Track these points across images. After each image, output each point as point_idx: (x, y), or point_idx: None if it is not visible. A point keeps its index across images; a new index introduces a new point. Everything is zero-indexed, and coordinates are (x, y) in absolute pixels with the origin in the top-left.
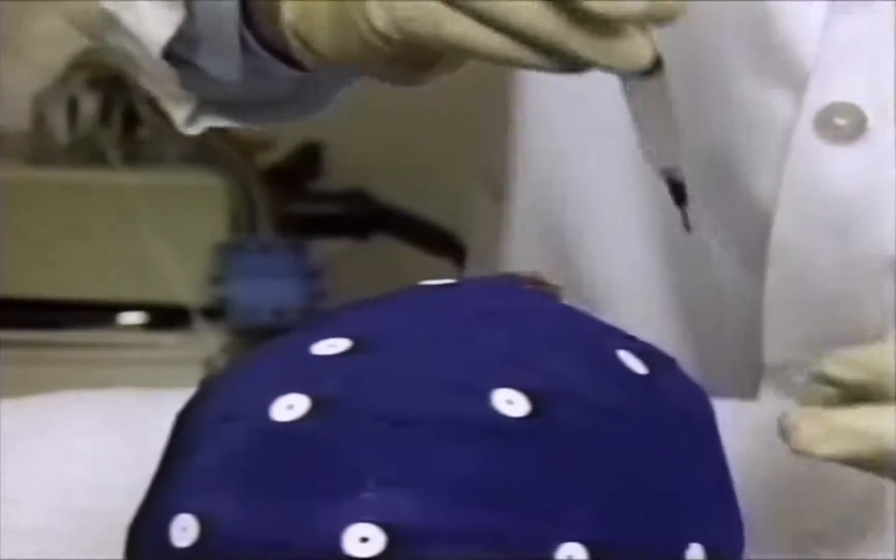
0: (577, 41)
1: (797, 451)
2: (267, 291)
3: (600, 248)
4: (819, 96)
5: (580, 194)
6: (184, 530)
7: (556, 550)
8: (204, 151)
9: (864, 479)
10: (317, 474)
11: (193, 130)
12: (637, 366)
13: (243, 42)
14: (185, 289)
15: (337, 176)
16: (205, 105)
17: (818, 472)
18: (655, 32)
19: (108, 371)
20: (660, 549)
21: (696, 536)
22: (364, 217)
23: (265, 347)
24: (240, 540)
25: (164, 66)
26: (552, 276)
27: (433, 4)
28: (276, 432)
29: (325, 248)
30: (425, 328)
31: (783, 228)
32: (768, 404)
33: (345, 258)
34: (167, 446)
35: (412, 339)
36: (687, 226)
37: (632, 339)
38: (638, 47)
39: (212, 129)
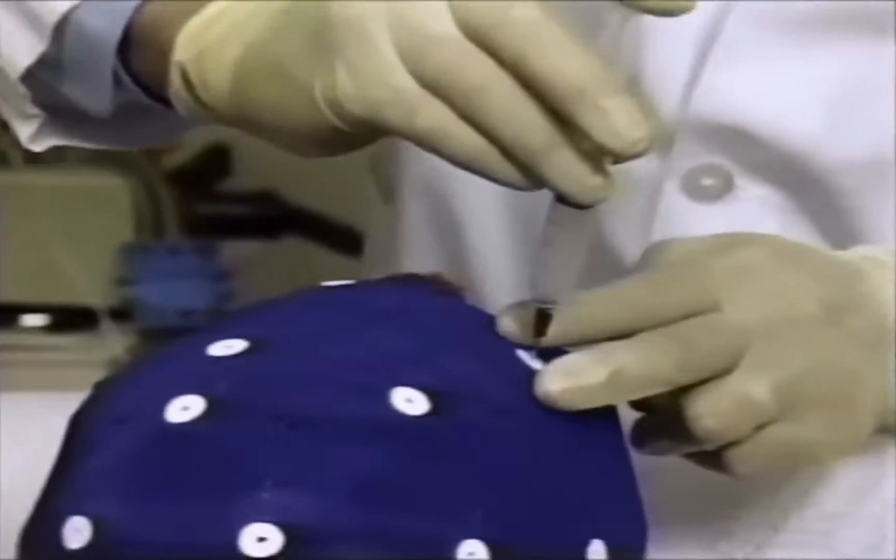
0: (556, 167)
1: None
2: (174, 293)
3: (486, 244)
4: (686, 157)
5: (466, 191)
6: (76, 532)
7: (457, 548)
8: (109, 153)
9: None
10: (213, 475)
11: (38, 147)
12: (536, 364)
13: (116, 77)
14: (91, 290)
15: (245, 176)
16: (52, 122)
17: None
18: None
19: (11, 373)
20: (561, 545)
21: (598, 533)
22: (273, 217)
23: (161, 350)
24: (133, 541)
25: (21, 88)
26: (454, 276)
27: (411, 89)
28: (171, 434)
29: (235, 249)
30: (323, 328)
31: None
32: None
33: (254, 259)
34: (61, 449)
35: (310, 340)
36: (538, 345)
37: None
38: (607, 182)
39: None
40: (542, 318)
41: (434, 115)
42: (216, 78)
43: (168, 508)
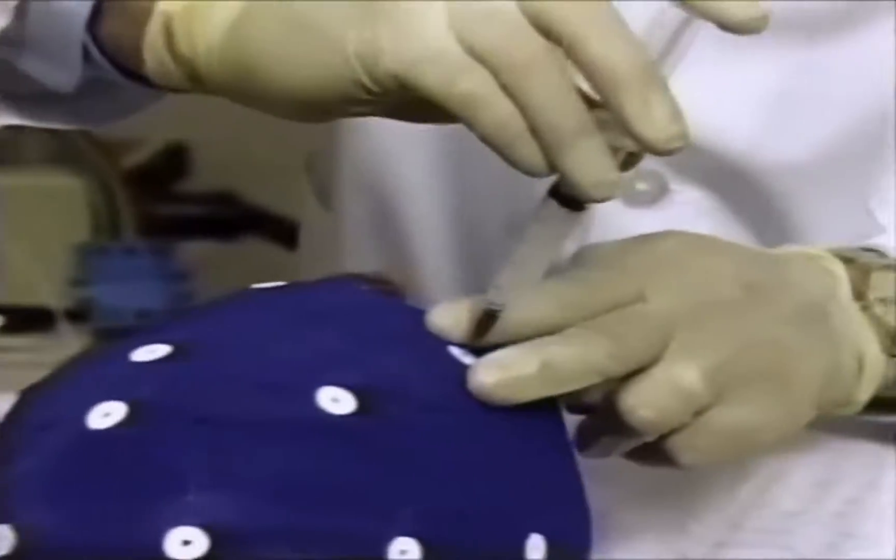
0: (581, 155)
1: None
2: (130, 294)
3: (428, 246)
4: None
5: (408, 193)
6: (1, 539)
7: (388, 546)
8: (65, 152)
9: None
10: (136, 480)
11: None
12: (469, 360)
13: (84, 51)
14: (47, 291)
15: (203, 177)
16: (4, 101)
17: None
18: None
19: None
20: (497, 540)
21: (537, 527)
22: (231, 218)
23: (86, 356)
24: (57, 548)
25: None
26: (395, 275)
27: (455, 52)
28: (93, 440)
29: (192, 250)
30: (250, 331)
31: None
32: None
33: (212, 260)
34: None
35: (236, 343)
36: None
37: None
38: (619, 181)
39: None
40: (488, 318)
41: (476, 82)
42: (207, 29)
43: (92, 514)
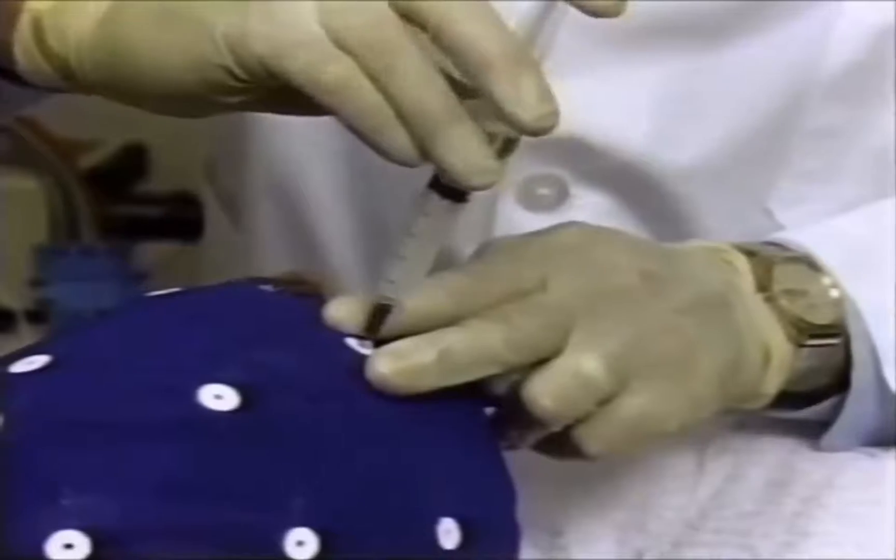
0: (454, 142)
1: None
2: (89, 294)
3: (336, 246)
4: (520, 167)
5: (315, 193)
6: None
7: (284, 538)
8: (21, 153)
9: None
10: (13, 487)
11: None
12: (366, 348)
13: None
14: (7, 292)
15: (162, 178)
16: None
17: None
18: None
19: None
20: (404, 526)
21: (448, 511)
22: (190, 219)
23: None
24: None
25: None
26: (310, 275)
27: (325, 40)
28: None
29: (151, 251)
30: (134, 338)
31: None
32: None
33: (171, 261)
34: None
35: (118, 350)
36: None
37: None
38: (499, 167)
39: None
40: (380, 312)
41: (342, 70)
42: (77, 23)
43: None
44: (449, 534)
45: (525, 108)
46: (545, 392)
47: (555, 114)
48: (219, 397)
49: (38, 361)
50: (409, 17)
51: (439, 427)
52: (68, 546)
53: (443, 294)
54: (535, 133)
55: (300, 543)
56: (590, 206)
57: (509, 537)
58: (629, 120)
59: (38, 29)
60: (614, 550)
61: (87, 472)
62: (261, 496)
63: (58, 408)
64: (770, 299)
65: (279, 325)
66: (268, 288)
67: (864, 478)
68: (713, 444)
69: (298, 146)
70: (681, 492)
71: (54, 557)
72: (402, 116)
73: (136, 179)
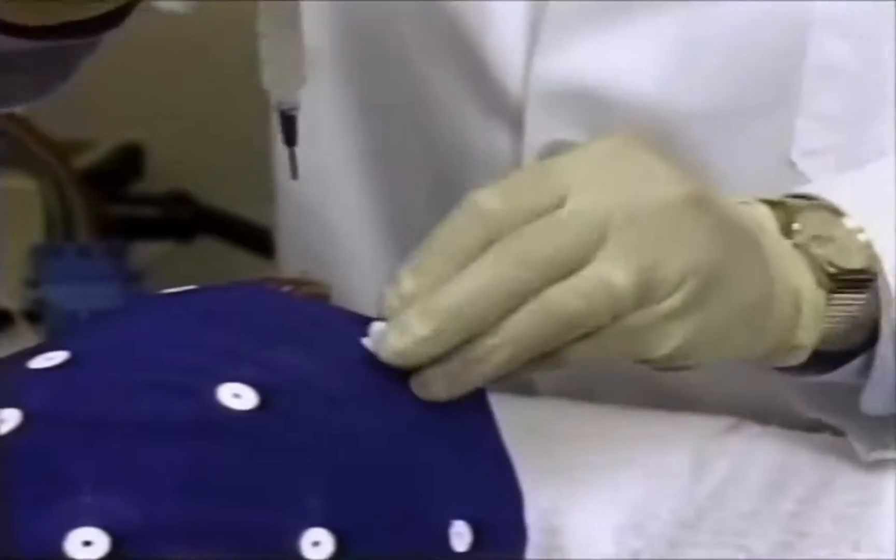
0: None
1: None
2: (85, 295)
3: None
4: (538, 132)
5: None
6: None
7: (300, 538)
8: (16, 153)
9: None
10: (33, 485)
11: None
12: None
13: None
14: (3, 292)
15: (157, 178)
16: None
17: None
18: None
19: None
20: (418, 527)
21: (460, 513)
22: (186, 219)
23: None
24: None
25: None
26: (320, 277)
27: None
28: None
29: (147, 251)
30: (150, 335)
31: None
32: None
33: (167, 261)
34: None
35: (135, 347)
36: (294, 172)
37: None
38: None
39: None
40: (287, 124)
41: None
42: None
43: None
44: (461, 536)
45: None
46: (574, 294)
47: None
48: (237, 396)
49: (57, 358)
50: None
51: (451, 429)
52: (87, 543)
53: (467, 220)
54: None
55: (316, 544)
56: None
57: (517, 539)
58: (639, 69)
59: None
60: (612, 551)
61: (107, 469)
62: (277, 496)
63: (77, 405)
64: (797, 246)
65: (294, 325)
66: (279, 288)
67: (862, 479)
68: (710, 445)
69: (324, 154)
70: (678, 493)
71: (73, 553)
72: None
73: (132, 179)
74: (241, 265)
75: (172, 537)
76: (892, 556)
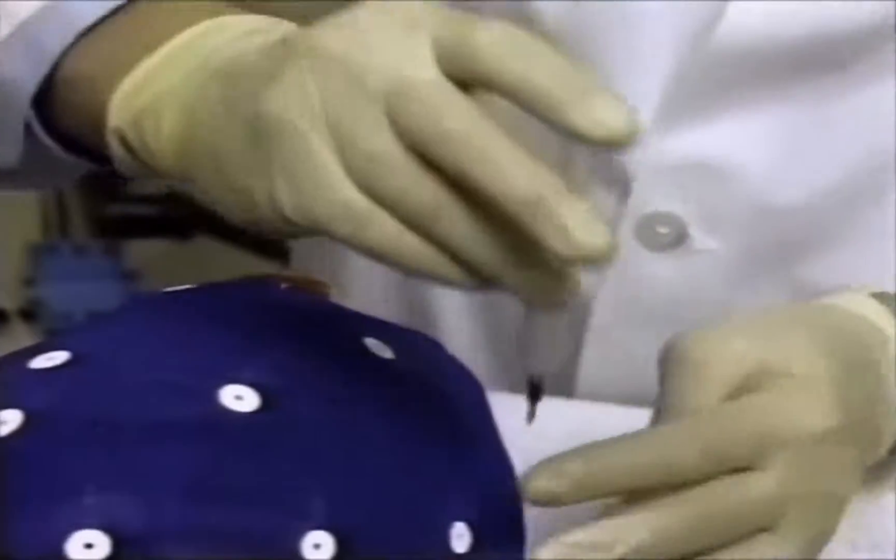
0: (517, 282)
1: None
2: (81, 294)
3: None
4: (642, 203)
5: None
6: None
7: (301, 540)
8: None
9: None
10: (34, 486)
11: None
12: (384, 351)
13: (28, 129)
14: (1, 291)
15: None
16: None
17: None
18: None
19: None
20: (417, 529)
21: (461, 515)
22: (182, 217)
23: None
24: None
25: None
26: (319, 277)
27: (359, 204)
28: None
29: (143, 249)
30: (152, 335)
31: (602, 317)
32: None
33: (163, 259)
34: None
35: (137, 348)
36: (531, 416)
37: (384, 326)
38: (571, 284)
39: None
40: (534, 389)
41: (386, 230)
42: (157, 145)
43: None
44: (461, 538)
45: (574, 247)
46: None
47: (605, 245)
48: (239, 398)
49: (58, 358)
50: (432, 162)
51: (451, 430)
52: (88, 545)
53: (647, 454)
54: (589, 262)
55: (317, 546)
56: (707, 251)
57: (517, 541)
58: (749, 150)
59: (127, 146)
60: None
61: (109, 471)
62: (279, 498)
63: (78, 405)
64: None
65: (297, 325)
66: (281, 286)
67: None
68: None
69: None
70: None
71: (74, 557)
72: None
73: (128, 178)
74: (237, 263)
75: (174, 539)
76: (891, 556)
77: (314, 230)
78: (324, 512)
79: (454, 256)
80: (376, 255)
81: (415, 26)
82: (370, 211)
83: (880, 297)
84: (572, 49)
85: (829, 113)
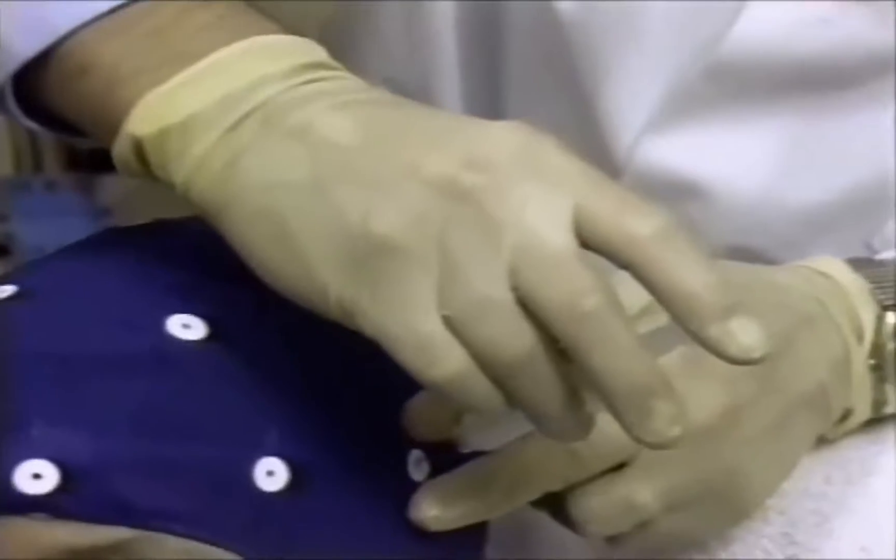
0: (552, 424)
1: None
2: (53, 229)
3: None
4: None
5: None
6: None
7: (254, 468)
8: None
9: None
10: None
11: None
12: None
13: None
14: None
15: None
16: None
17: None
18: None
19: None
20: (373, 457)
21: (418, 443)
22: None
23: None
24: None
25: None
26: None
27: (438, 339)
28: None
29: (116, 185)
30: (101, 271)
31: None
32: None
33: (135, 195)
34: None
35: (84, 283)
36: None
37: None
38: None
39: None
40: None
41: (454, 365)
42: (181, 169)
43: None
44: (419, 465)
45: (654, 436)
46: (595, 518)
47: (680, 437)
48: (187, 327)
49: (5, 292)
50: (541, 325)
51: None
52: (37, 476)
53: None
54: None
55: (270, 473)
56: None
57: None
58: (743, 166)
59: (140, 153)
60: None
61: (57, 403)
62: (230, 427)
63: (25, 339)
64: (877, 367)
65: (238, 262)
66: None
67: (862, 473)
68: None
69: None
70: None
71: (22, 486)
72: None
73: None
74: None
75: (123, 470)
76: (892, 557)
77: (378, 343)
78: (276, 439)
79: (511, 396)
80: (438, 388)
81: (561, 186)
82: (446, 346)
83: (854, 262)
84: (584, 45)
85: (824, 133)
